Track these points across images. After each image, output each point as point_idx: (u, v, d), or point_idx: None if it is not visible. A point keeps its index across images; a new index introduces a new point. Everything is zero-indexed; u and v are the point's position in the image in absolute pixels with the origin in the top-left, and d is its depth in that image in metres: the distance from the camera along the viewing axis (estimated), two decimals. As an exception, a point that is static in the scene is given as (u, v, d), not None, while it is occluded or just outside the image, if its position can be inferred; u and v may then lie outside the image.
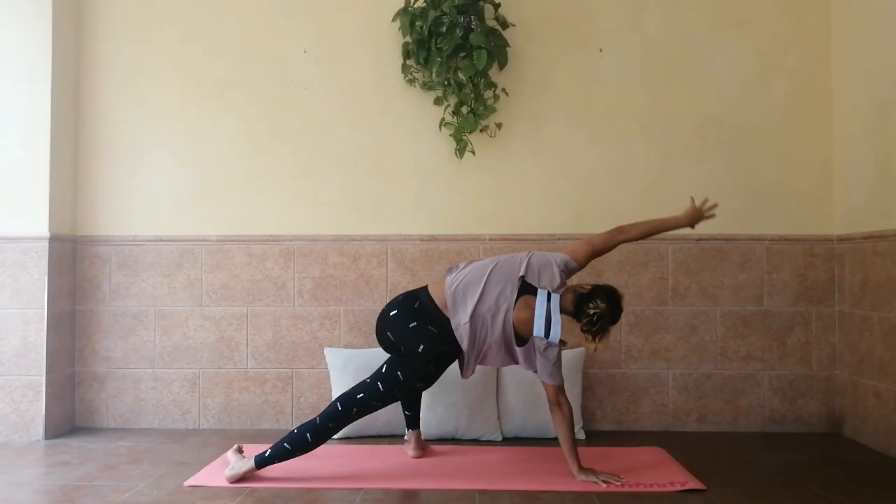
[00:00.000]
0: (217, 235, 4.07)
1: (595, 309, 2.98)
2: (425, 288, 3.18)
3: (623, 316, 3.18)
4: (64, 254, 3.97)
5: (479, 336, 3.04)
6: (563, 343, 3.00)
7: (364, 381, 3.06)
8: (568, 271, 3.11)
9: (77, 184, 4.10)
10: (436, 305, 3.07)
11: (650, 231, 3.26)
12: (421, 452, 3.39)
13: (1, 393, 3.80)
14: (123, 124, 4.11)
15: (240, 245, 4.07)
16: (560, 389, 3.04)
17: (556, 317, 2.97)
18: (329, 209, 4.06)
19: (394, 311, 3.12)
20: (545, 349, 2.98)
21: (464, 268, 3.13)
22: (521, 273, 3.06)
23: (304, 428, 3.02)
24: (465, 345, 3.02)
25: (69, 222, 4.05)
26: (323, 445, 3.06)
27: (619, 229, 3.20)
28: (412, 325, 3.04)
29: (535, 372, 3.07)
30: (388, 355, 3.16)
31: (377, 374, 3.05)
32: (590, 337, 3.00)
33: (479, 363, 3.14)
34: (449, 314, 3.04)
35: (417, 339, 3.02)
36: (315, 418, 3.04)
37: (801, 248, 3.99)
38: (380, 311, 3.22)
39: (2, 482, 3.08)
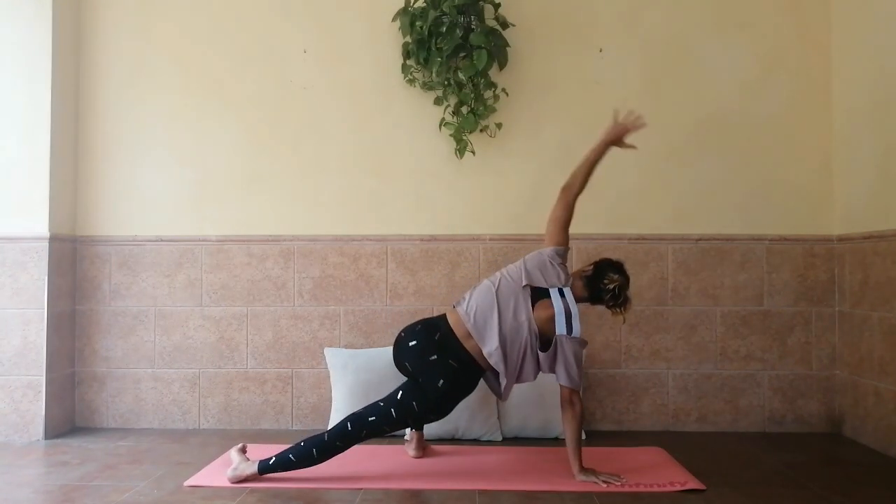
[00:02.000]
0: (217, 235, 4.07)
1: (611, 283, 3.04)
2: (444, 318, 3.11)
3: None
4: (64, 254, 3.97)
5: (511, 356, 3.00)
6: (584, 343, 3.04)
7: (377, 404, 3.03)
8: (563, 258, 3.14)
9: (77, 184, 4.11)
10: (456, 337, 3.02)
11: (586, 169, 3.19)
12: (422, 453, 3.39)
13: (1, 393, 3.80)
14: (123, 124, 4.11)
15: (240, 245, 4.07)
16: (574, 390, 3.04)
17: (575, 310, 3.02)
18: (329, 209, 4.06)
19: (413, 342, 3.05)
20: (569, 346, 2.99)
21: (470, 297, 3.08)
22: (524, 283, 3.05)
23: (310, 442, 3.01)
24: (501, 369, 2.99)
25: (69, 222, 4.05)
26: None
27: (563, 188, 3.19)
28: (432, 357, 2.99)
29: (557, 380, 3.06)
30: (401, 374, 3.14)
31: (391, 400, 3.01)
32: (618, 310, 3.07)
33: (517, 381, 3.09)
34: (479, 344, 3.00)
35: (437, 372, 2.97)
36: (323, 434, 3.02)
37: (801, 248, 3.99)
38: (398, 336, 3.16)
39: (2, 482, 3.08)
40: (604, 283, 3.06)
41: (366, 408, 3.05)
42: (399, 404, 2.99)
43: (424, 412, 3.01)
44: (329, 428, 3.07)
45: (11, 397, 3.80)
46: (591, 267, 3.14)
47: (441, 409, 3.03)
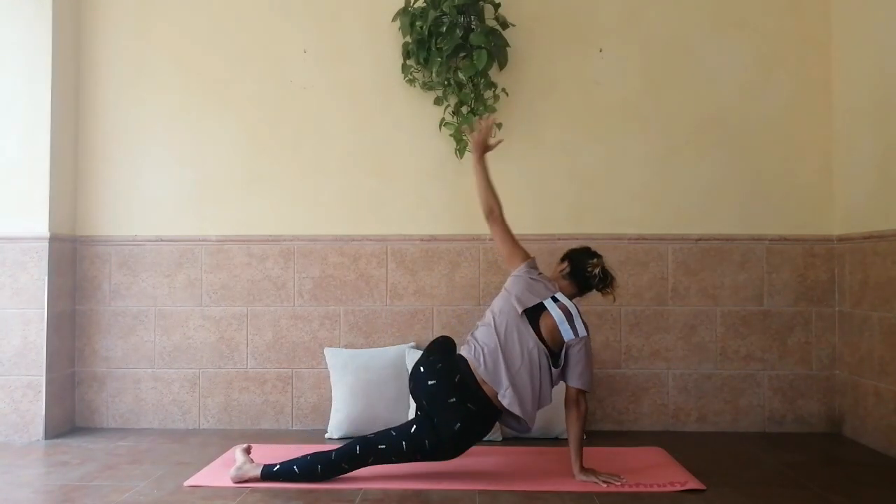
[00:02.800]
0: (217, 235, 4.07)
1: (594, 267, 3.09)
2: (463, 359, 3.04)
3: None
4: (64, 254, 3.97)
5: (524, 392, 2.96)
6: (588, 335, 3.06)
7: (388, 433, 3.01)
8: (537, 269, 3.16)
9: (77, 184, 4.11)
10: (475, 380, 2.98)
11: (485, 186, 3.22)
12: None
13: (1, 393, 3.80)
14: (123, 124, 4.11)
15: (240, 245, 4.07)
16: (582, 390, 3.05)
17: (573, 309, 3.04)
18: (329, 209, 4.06)
19: (432, 381, 2.99)
20: (580, 348, 3.00)
21: (476, 343, 3.04)
22: (520, 311, 3.03)
23: (317, 458, 2.99)
24: (516, 410, 2.95)
25: (69, 222, 4.05)
26: (324, 445, 3.06)
27: (487, 215, 3.22)
28: (451, 400, 2.95)
29: (567, 382, 3.05)
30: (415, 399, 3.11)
31: (403, 432, 2.98)
32: (608, 290, 3.11)
33: (539, 407, 3.05)
34: (494, 388, 2.97)
35: (455, 416, 2.94)
36: (331, 452, 3.00)
37: (801, 248, 3.99)
38: (414, 366, 3.09)
39: (2, 482, 3.08)
40: (588, 271, 3.09)
41: (377, 434, 3.03)
42: (410, 439, 2.96)
43: (435, 451, 2.97)
44: (337, 447, 3.03)
45: (11, 397, 3.80)
46: (566, 263, 3.16)
47: (453, 451, 3.00)
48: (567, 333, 3.00)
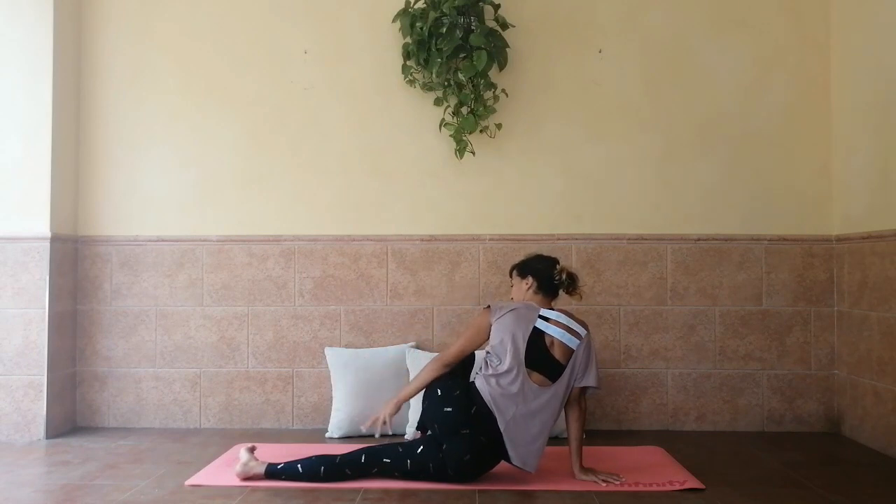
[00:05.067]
0: (218, 235, 4.08)
1: (560, 272, 3.09)
2: (477, 391, 2.99)
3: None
4: (65, 254, 3.98)
5: (522, 436, 2.95)
6: (587, 331, 3.06)
7: (395, 448, 3.01)
8: (500, 310, 3.08)
9: (78, 184, 4.12)
10: (488, 409, 2.95)
11: (425, 381, 3.07)
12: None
13: (2, 392, 3.81)
14: (125, 124, 4.12)
15: (241, 245, 4.08)
16: (583, 390, 3.06)
17: (562, 318, 3.03)
18: (329, 209, 4.07)
19: (449, 409, 2.95)
20: (585, 349, 3.01)
21: (488, 376, 3.00)
22: (523, 347, 2.98)
23: (322, 460, 3.00)
24: (510, 452, 2.94)
25: (70, 222, 4.06)
26: (325, 445, 3.06)
27: (446, 368, 3.08)
28: (464, 431, 2.94)
29: (579, 385, 3.04)
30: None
31: (409, 451, 2.98)
32: (573, 291, 3.11)
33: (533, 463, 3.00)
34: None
35: (466, 448, 2.93)
36: (335, 456, 3.01)
37: (799, 248, 4.00)
38: (431, 391, 3.02)
39: (3, 481, 3.09)
40: (555, 279, 3.09)
41: (385, 446, 3.04)
42: (416, 460, 2.96)
43: (437, 476, 2.97)
44: (343, 452, 3.04)
45: (13, 397, 3.81)
46: (529, 279, 3.11)
47: (458, 479, 2.98)
48: (572, 342, 3.00)
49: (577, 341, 3.01)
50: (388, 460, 2.98)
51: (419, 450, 2.97)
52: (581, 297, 3.15)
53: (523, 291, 3.15)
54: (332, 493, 2.91)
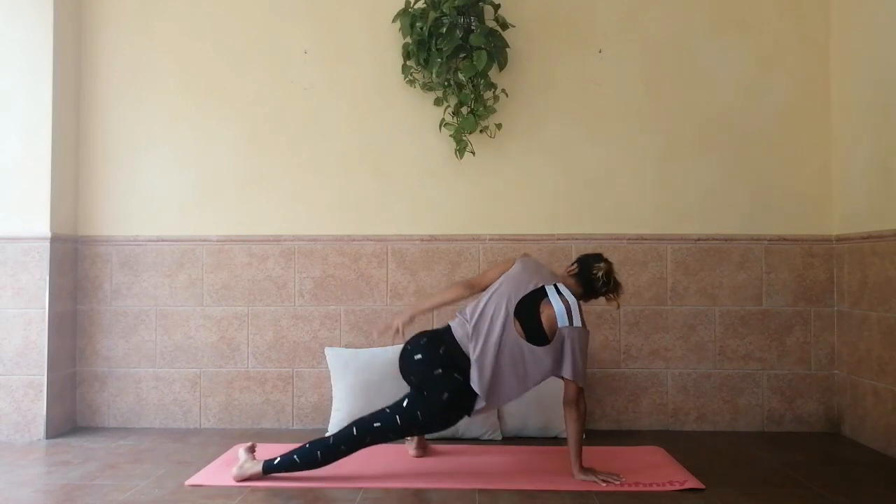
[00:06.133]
0: (218, 235, 4.08)
1: (599, 270, 3.13)
2: (449, 330, 3.11)
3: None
4: (65, 254, 3.98)
5: (486, 369, 2.98)
6: (587, 332, 3.06)
7: (383, 411, 3.04)
8: (535, 260, 3.25)
9: (78, 184, 4.12)
10: (460, 348, 3.03)
11: (441, 303, 3.28)
12: (422, 452, 3.41)
13: (2, 392, 3.82)
14: (125, 124, 4.12)
15: (241, 245, 4.08)
16: (581, 390, 3.05)
17: (573, 301, 3.04)
18: (329, 209, 4.07)
19: (418, 356, 3.04)
20: (573, 336, 3.00)
21: (470, 312, 3.08)
22: (532, 288, 3.05)
23: (316, 444, 3.02)
24: (475, 384, 2.97)
25: (70, 222, 4.06)
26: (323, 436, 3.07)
27: (464, 296, 3.22)
28: (437, 371, 2.99)
29: (561, 375, 3.05)
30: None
31: (397, 408, 3.02)
32: (612, 296, 3.17)
33: (496, 403, 3.07)
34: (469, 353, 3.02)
35: (442, 386, 2.98)
36: (329, 437, 3.04)
37: (799, 248, 4.00)
38: (403, 348, 3.14)
39: (3, 481, 3.09)
40: (593, 273, 3.13)
41: (372, 414, 3.06)
42: (404, 413, 3.00)
43: (428, 423, 3.02)
44: (335, 431, 3.07)
45: (13, 397, 3.81)
46: (575, 265, 3.20)
47: (445, 421, 3.04)
48: (563, 320, 2.99)
49: (566, 324, 2.98)
50: (379, 424, 3.00)
51: (405, 403, 3.02)
52: (619, 306, 3.25)
53: (565, 272, 3.22)
54: (332, 493, 2.92)
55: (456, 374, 2.99)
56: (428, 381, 3.00)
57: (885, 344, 3.52)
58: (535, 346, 3.01)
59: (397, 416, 3.00)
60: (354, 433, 3.01)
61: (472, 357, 3.00)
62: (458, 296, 3.21)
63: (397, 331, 3.19)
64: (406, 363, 3.10)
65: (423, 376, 3.02)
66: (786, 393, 3.97)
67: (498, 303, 3.06)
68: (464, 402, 3.01)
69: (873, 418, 3.62)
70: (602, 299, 3.22)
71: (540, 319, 3.02)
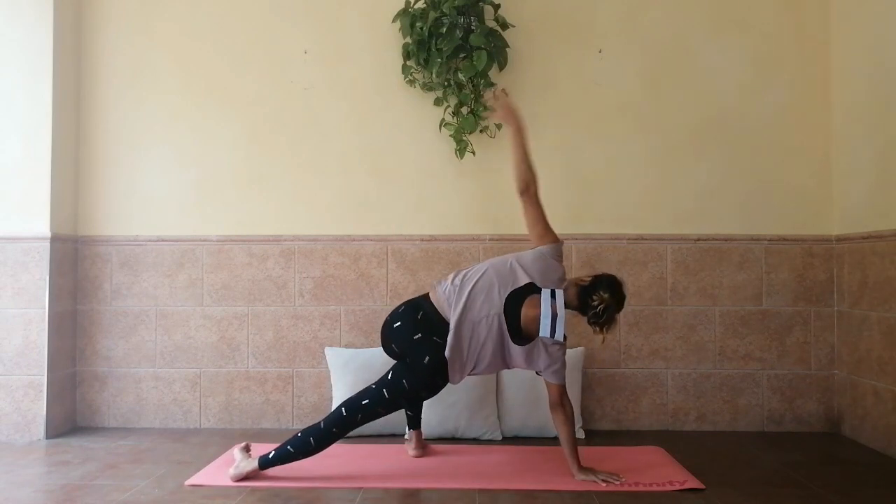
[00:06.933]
0: (218, 235, 4.08)
1: (599, 301, 3.00)
2: (427, 296, 3.15)
3: (626, 303, 3.14)
4: (65, 254, 3.98)
5: (464, 343, 3.00)
6: (565, 338, 3.02)
7: (369, 388, 3.06)
8: (560, 256, 3.15)
9: (78, 184, 4.12)
10: (438, 314, 3.06)
11: (526, 160, 3.21)
12: (421, 452, 3.41)
13: (2, 392, 3.82)
14: (125, 124, 4.12)
15: (241, 245, 4.08)
16: (563, 391, 3.05)
17: (562, 313, 3.00)
18: (329, 209, 4.07)
19: (398, 323, 3.09)
20: (550, 347, 2.99)
21: (454, 277, 3.10)
22: (523, 283, 3.03)
23: (308, 432, 3.03)
24: (447, 351, 2.99)
25: (70, 222, 4.06)
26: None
27: (523, 191, 3.21)
28: (416, 336, 3.03)
29: (538, 372, 3.07)
30: (394, 361, 3.16)
31: (383, 382, 3.05)
32: (597, 329, 3.04)
33: (472, 372, 3.09)
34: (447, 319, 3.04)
35: (422, 350, 3.01)
36: (319, 423, 3.04)
37: (799, 248, 4.00)
38: (384, 321, 3.19)
39: (3, 481, 3.09)
40: (593, 298, 3.01)
41: (358, 393, 3.08)
42: (390, 385, 3.02)
43: (415, 390, 3.04)
44: (324, 417, 3.07)
45: (13, 397, 3.81)
46: (590, 279, 3.10)
47: (431, 386, 3.06)
48: (545, 329, 2.97)
49: (547, 336, 2.96)
50: (367, 401, 3.01)
51: (389, 375, 3.05)
52: (603, 340, 3.07)
53: (576, 279, 3.15)
54: (332, 493, 2.92)
55: (435, 338, 3.01)
56: (409, 347, 3.03)
57: (885, 344, 3.52)
58: (511, 341, 3.01)
59: (384, 390, 3.02)
60: (344, 413, 3.02)
61: (452, 322, 3.00)
62: (528, 188, 3.19)
63: (505, 93, 3.36)
64: (386, 332, 3.14)
65: (404, 343, 3.05)
66: (786, 393, 3.97)
67: (490, 286, 3.03)
68: (445, 364, 3.01)
69: (873, 418, 3.62)
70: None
71: (520, 316, 3.01)
